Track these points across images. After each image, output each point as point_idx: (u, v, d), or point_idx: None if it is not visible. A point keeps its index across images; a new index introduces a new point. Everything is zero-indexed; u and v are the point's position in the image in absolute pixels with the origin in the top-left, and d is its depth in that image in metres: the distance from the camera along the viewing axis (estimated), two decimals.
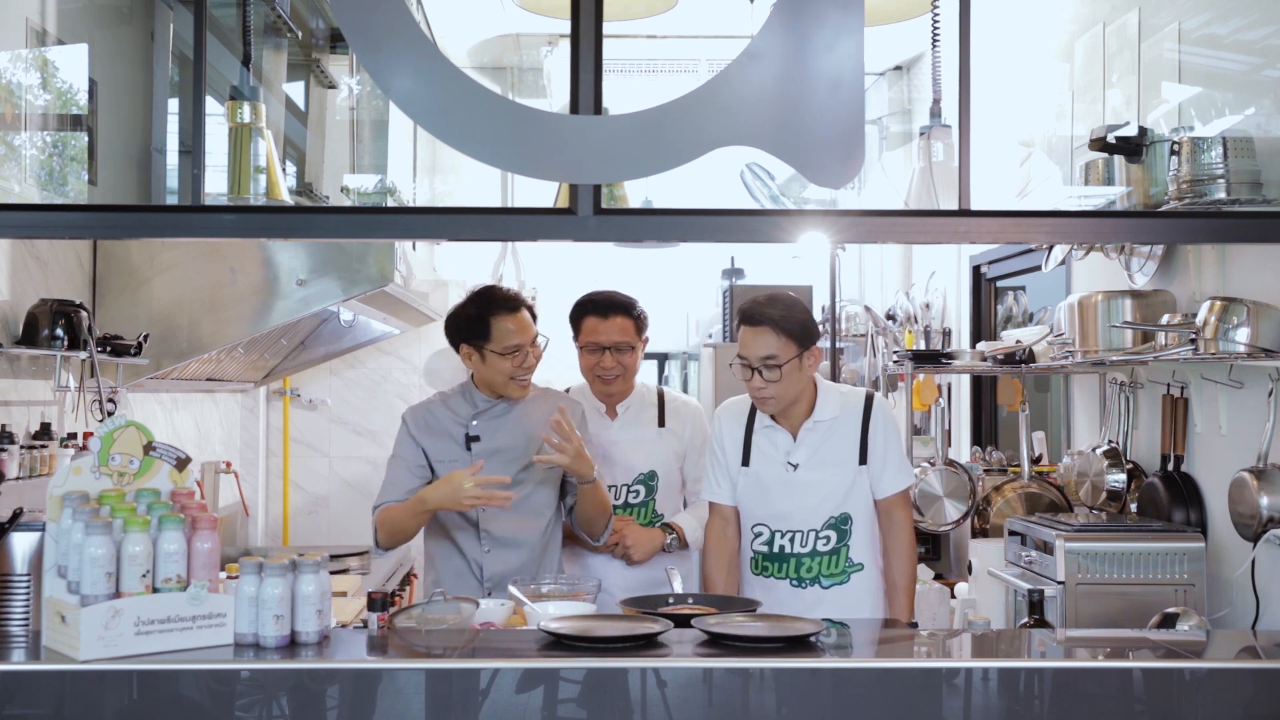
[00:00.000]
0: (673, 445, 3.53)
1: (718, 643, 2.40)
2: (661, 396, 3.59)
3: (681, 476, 3.57)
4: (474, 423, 3.25)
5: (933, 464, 4.23)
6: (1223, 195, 2.88)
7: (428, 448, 3.24)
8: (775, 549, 3.07)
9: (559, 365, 6.22)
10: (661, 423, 3.54)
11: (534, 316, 3.26)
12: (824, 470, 3.07)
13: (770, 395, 3.02)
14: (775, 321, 2.98)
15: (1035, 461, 4.39)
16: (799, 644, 2.38)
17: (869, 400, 3.12)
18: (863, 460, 3.06)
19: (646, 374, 7.58)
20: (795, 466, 3.06)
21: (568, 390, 3.57)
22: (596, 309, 3.45)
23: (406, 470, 3.23)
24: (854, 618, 2.93)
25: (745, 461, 3.12)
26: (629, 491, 3.50)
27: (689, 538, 3.43)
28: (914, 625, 3.04)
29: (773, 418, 3.12)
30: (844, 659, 2.31)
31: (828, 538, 3.04)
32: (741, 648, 2.37)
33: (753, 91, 2.33)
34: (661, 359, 7.50)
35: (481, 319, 3.18)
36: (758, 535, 3.11)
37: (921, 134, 3.32)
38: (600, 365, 3.44)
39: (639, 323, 3.47)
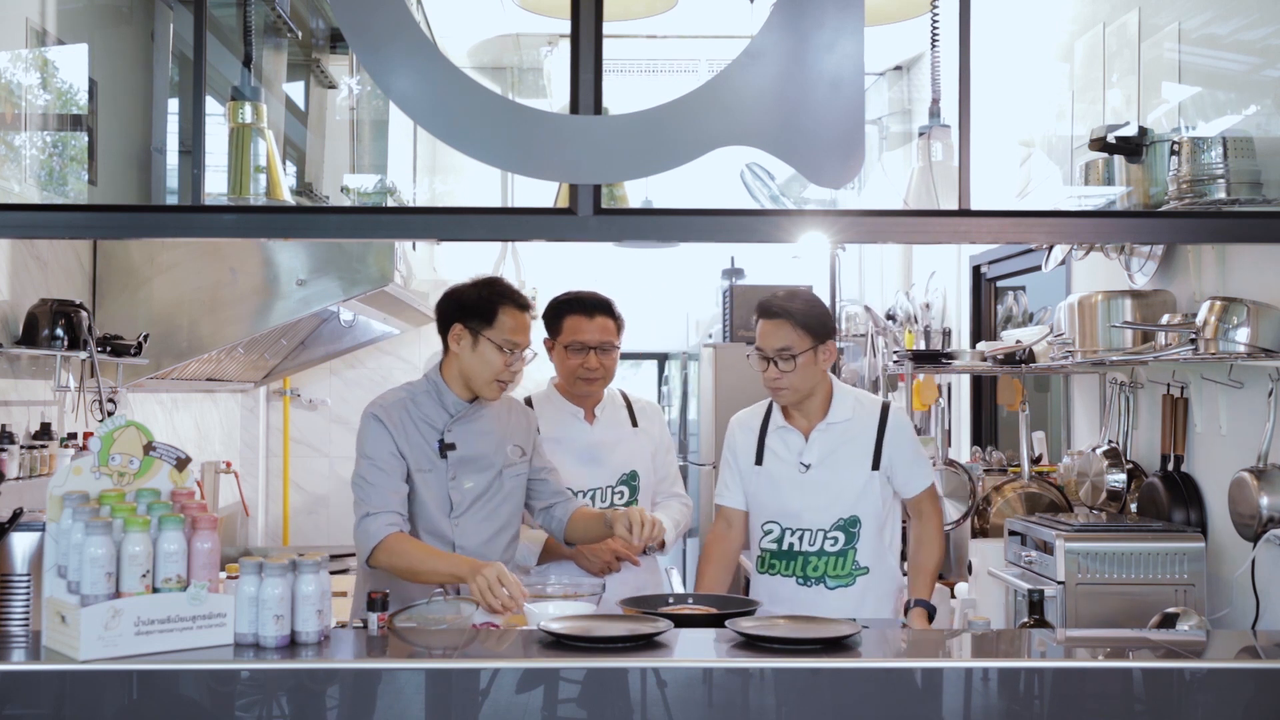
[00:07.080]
0: (647, 445, 3.54)
1: (725, 641, 2.40)
2: (627, 398, 3.60)
3: (654, 476, 3.59)
4: (450, 428, 3.07)
5: (933, 464, 4.22)
6: (1223, 195, 2.87)
7: (403, 449, 3.03)
8: (784, 546, 3.13)
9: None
10: (634, 423, 3.56)
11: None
12: (835, 471, 3.13)
13: (785, 386, 3.10)
14: (793, 314, 3.08)
15: (1035, 461, 4.38)
16: (823, 645, 2.38)
17: (885, 409, 3.20)
18: (875, 465, 3.12)
19: (647, 374, 7.58)
20: (808, 466, 3.12)
21: (528, 400, 3.48)
22: (582, 307, 3.40)
23: (391, 472, 3.01)
24: (872, 618, 2.96)
25: (759, 461, 3.20)
26: (614, 493, 3.49)
27: (667, 538, 3.32)
28: (932, 609, 3.07)
29: (786, 418, 3.18)
30: (844, 659, 2.31)
31: (835, 538, 3.08)
32: (767, 648, 2.36)
33: (753, 91, 2.33)
34: (662, 359, 7.48)
35: (490, 303, 3.00)
36: (768, 533, 3.17)
37: (921, 134, 3.32)
38: (585, 366, 3.39)
39: (619, 323, 3.46)
